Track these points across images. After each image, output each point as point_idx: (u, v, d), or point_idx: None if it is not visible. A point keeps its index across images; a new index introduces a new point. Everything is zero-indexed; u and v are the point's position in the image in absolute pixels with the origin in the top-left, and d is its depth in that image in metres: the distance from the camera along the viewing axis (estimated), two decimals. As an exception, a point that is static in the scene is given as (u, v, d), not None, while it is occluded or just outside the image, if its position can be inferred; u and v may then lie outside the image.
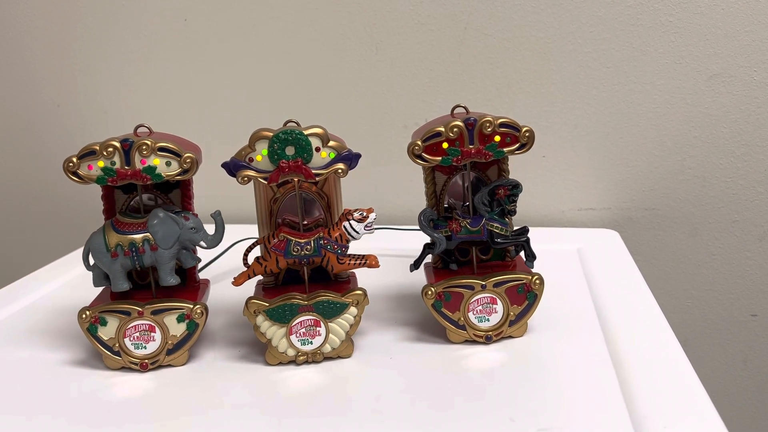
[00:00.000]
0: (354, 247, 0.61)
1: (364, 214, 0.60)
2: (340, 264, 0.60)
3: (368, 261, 0.61)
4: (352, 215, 0.60)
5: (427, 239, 0.64)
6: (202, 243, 0.61)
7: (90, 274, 0.62)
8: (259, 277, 0.64)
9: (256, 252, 0.64)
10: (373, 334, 0.65)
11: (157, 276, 0.61)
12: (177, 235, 0.60)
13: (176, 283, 0.61)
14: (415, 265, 0.64)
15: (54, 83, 1.07)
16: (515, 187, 0.61)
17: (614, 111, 0.93)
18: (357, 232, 0.60)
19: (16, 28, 1.05)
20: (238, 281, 0.61)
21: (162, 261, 0.59)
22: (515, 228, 0.63)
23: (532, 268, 0.63)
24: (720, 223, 0.95)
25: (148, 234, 0.59)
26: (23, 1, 1.04)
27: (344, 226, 0.60)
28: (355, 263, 0.61)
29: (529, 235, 0.62)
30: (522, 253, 0.63)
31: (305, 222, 0.63)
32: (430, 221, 0.62)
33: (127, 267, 0.59)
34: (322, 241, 0.60)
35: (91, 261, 0.61)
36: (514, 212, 0.62)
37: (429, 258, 0.67)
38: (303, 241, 0.60)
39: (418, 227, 0.63)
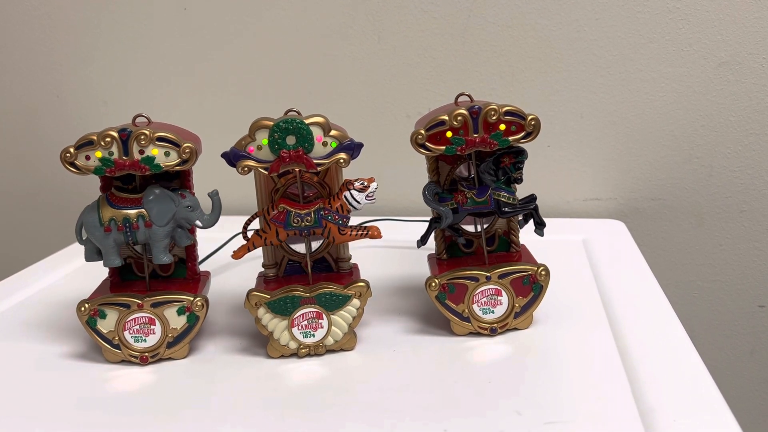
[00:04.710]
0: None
1: (365, 183, 0.58)
2: (341, 235, 0.59)
3: (370, 232, 0.59)
4: (353, 185, 0.58)
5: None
6: (198, 222, 0.60)
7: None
8: (260, 269, 0.64)
9: (256, 226, 0.63)
10: (376, 326, 0.64)
11: (151, 258, 0.60)
12: (172, 212, 0.58)
13: (169, 262, 0.60)
14: (423, 241, 0.63)
15: (53, 74, 1.06)
16: (520, 154, 0.60)
17: (620, 100, 0.92)
18: (358, 202, 0.58)
19: (14, 19, 1.04)
20: (237, 254, 0.60)
21: (156, 238, 0.58)
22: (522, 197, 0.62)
23: (542, 236, 0.62)
24: (727, 213, 0.94)
25: (143, 210, 0.58)
26: (21, -10, 1.03)
27: (345, 197, 0.58)
28: (356, 234, 0.59)
29: (537, 202, 0.61)
30: (531, 222, 0.62)
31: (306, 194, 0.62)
32: (435, 195, 0.61)
33: (120, 242, 0.58)
34: (322, 212, 0.58)
35: (84, 235, 0.59)
36: (521, 180, 0.61)
37: (433, 250, 0.66)
38: (303, 212, 0.58)
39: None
